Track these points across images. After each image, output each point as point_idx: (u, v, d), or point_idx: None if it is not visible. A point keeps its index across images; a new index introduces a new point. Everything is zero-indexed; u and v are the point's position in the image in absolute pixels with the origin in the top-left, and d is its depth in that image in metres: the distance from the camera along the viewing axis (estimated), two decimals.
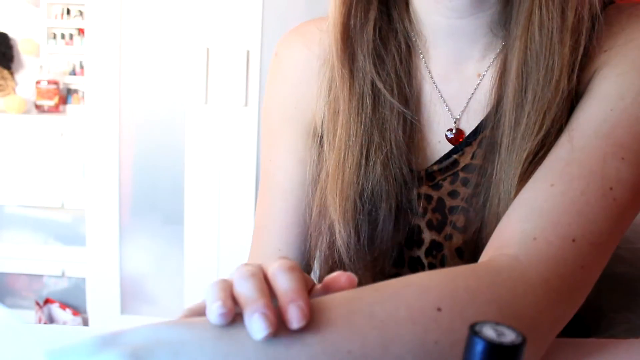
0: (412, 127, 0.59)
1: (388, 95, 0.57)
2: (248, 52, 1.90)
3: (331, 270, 0.62)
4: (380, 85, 0.57)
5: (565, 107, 0.51)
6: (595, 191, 0.46)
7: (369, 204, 0.57)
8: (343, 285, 0.40)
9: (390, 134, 0.57)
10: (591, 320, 0.67)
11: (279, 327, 0.35)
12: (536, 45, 0.51)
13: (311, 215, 0.63)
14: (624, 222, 0.48)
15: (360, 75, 0.58)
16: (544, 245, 0.44)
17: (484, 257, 0.48)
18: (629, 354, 0.48)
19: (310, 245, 0.65)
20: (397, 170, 0.57)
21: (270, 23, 1.90)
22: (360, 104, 0.57)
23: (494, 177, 0.54)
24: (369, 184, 0.57)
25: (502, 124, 0.53)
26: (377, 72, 0.58)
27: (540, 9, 0.50)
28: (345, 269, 0.62)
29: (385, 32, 0.59)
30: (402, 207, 0.58)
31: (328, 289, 0.40)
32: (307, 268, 0.67)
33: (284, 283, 0.36)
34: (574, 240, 0.44)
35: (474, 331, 0.23)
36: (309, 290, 0.41)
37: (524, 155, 0.51)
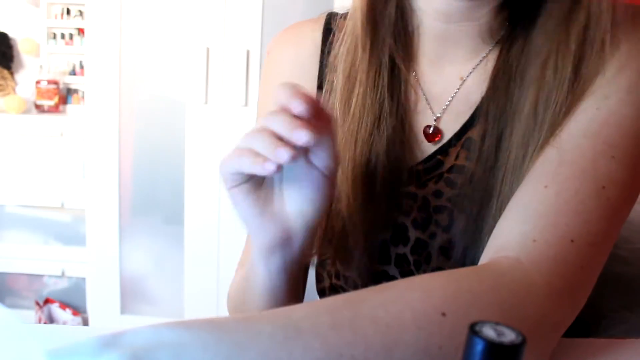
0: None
1: (404, 71, 0.59)
2: (248, 52, 1.90)
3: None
4: (398, 60, 0.59)
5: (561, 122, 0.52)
6: (588, 191, 0.46)
7: (371, 172, 0.59)
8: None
9: (401, 108, 0.59)
10: (591, 320, 0.67)
11: (280, 329, 0.35)
12: (547, 88, 0.51)
13: None
14: (618, 220, 0.48)
15: (380, 46, 0.59)
16: (544, 247, 0.44)
17: (484, 259, 0.48)
18: (629, 354, 0.48)
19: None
20: (399, 145, 0.59)
21: (270, 23, 1.90)
22: (378, 75, 0.59)
23: (477, 176, 0.54)
24: (375, 156, 0.58)
25: (487, 124, 0.54)
26: (396, 47, 0.59)
27: (557, 57, 0.51)
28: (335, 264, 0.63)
29: (403, 11, 0.60)
30: (396, 177, 0.59)
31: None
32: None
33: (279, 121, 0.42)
34: (572, 241, 0.45)
35: (473, 331, 0.23)
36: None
37: (508, 155, 0.52)
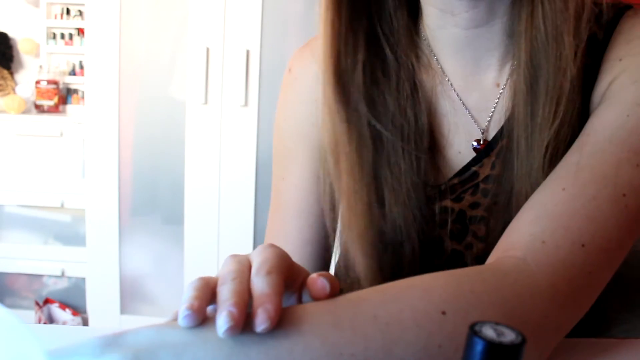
0: (424, 158, 0.57)
1: (390, 137, 0.56)
2: (248, 52, 1.90)
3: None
4: (380, 127, 0.56)
5: (576, 99, 0.51)
6: (607, 197, 0.45)
7: (391, 244, 0.56)
8: (318, 292, 0.39)
9: (402, 174, 0.56)
10: (591, 320, 0.67)
11: (281, 329, 0.35)
12: (542, 37, 0.50)
13: (332, 230, 0.63)
14: (635, 229, 0.47)
15: (356, 117, 0.56)
16: (553, 249, 0.43)
17: (491, 258, 0.47)
18: (629, 354, 0.48)
19: (326, 260, 0.64)
20: (417, 211, 0.56)
21: (270, 23, 1.90)
22: (360, 148, 0.56)
23: (513, 183, 0.53)
24: (387, 226, 0.56)
25: (517, 121, 0.52)
26: (374, 112, 0.56)
27: (543, 3, 0.50)
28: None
29: (379, 64, 0.57)
30: (426, 243, 0.57)
31: (309, 290, 0.40)
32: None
33: (258, 287, 0.36)
34: (583, 245, 0.44)
35: (473, 331, 0.23)
36: (301, 282, 0.41)
37: (543, 150, 0.50)
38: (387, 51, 0.58)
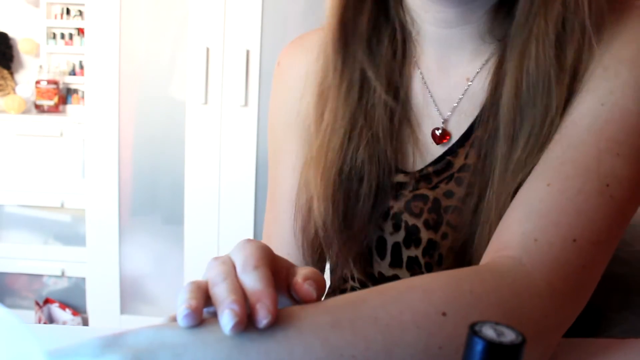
0: (400, 121, 0.60)
1: (378, 86, 0.59)
2: (248, 52, 1.90)
3: (312, 255, 0.64)
4: (370, 74, 0.59)
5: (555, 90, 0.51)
6: (592, 189, 0.45)
7: (348, 182, 0.59)
8: (305, 299, 0.39)
9: (375, 121, 0.59)
10: (591, 320, 0.67)
11: (281, 329, 0.35)
12: (532, 79, 0.50)
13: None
14: (623, 219, 0.47)
15: (351, 62, 0.59)
16: (546, 247, 0.44)
17: (485, 258, 0.47)
18: (629, 354, 0.48)
19: (321, 247, 0.65)
20: (382, 154, 0.58)
21: (270, 23, 1.90)
22: (348, 90, 0.59)
23: (487, 175, 0.54)
24: (350, 164, 0.58)
25: (498, 136, 0.53)
26: (369, 61, 0.59)
27: (537, 46, 0.50)
28: (323, 253, 0.64)
29: (380, 25, 0.60)
30: (381, 189, 0.59)
31: (295, 291, 0.40)
32: (320, 266, 0.67)
33: (249, 283, 0.36)
34: (574, 241, 0.44)
35: (473, 331, 0.23)
36: (287, 274, 0.41)
37: (518, 141, 0.51)
38: (392, 12, 0.61)
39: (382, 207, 0.59)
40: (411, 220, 0.59)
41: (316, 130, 0.61)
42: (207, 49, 1.90)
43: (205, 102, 1.94)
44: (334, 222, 0.59)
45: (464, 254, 0.55)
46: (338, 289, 0.68)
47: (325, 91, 0.61)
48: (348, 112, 0.59)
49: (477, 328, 0.24)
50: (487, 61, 0.58)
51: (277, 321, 0.36)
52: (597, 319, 0.69)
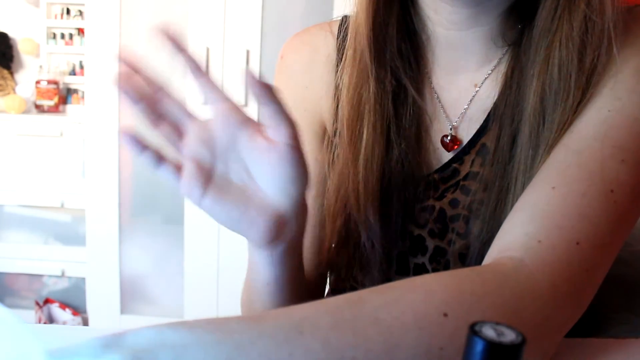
0: (418, 128, 0.60)
1: (414, 94, 0.58)
2: (248, 52, 1.90)
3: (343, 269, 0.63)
4: (405, 82, 0.58)
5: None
6: (596, 194, 0.46)
7: (387, 194, 0.58)
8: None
9: (407, 130, 0.58)
10: (591, 320, 0.67)
11: (281, 330, 0.35)
12: (555, 84, 0.50)
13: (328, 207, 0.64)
14: (626, 224, 0.48)
15: (388, 72, 0.58)
16: (549, 249, 0.44)
17: (488, 258, 0.47)
18: (629, 354, 0.48)
19: (324, 240, 0.65)
20: (409, 169, 0.58)
21: (270, 23, 1.90)
22: (387, 99, 0.58)
23: (494, 180, 0.54)
24: (388, 177, 0.58)
25: (518, 142, 0.53)
26: (404, 70, 0.58)
27: (560, 50, 0.50)
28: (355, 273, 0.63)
29: (403, 30, 0.59)
30: (410, 200, 0.59)
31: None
32: (319, 265, 0.67)
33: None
34: (578, 244, 0.44)
35: (473, 331, 0.23)
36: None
37: (525, 148, 0.51)
38: (407, 18, 0.60)
39: (412, 206, 0.59)
40: (416, 231, 0.59)
41: (350, 135, 0.59)
42: (207, 49, 1.90)
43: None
44: (377, 229, 0.58)
45: (475, 260, 0.55)
46: (338, 289, 0.68)
47: (362, 99, 0.59)
48: (386, 121, 0.58)
49: (477, 328, 0.24)
50: (496, 66, 0.57)
51: (277, 321, 0.36)
52: (597, 319, 0.69)
